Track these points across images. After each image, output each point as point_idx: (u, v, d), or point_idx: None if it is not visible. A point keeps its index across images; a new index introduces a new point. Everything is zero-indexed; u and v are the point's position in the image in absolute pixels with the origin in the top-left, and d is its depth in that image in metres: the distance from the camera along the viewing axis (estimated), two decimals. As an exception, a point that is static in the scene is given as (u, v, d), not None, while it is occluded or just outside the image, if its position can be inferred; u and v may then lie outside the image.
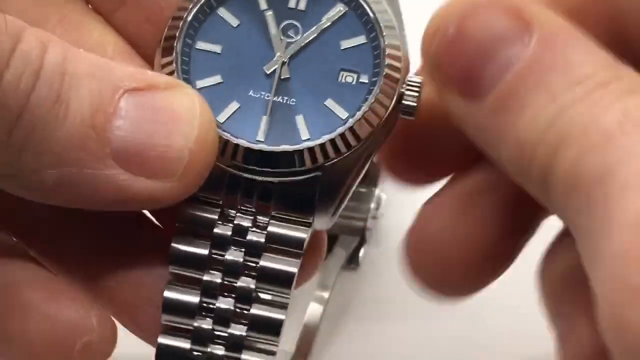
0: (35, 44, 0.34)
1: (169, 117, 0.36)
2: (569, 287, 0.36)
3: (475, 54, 0.36)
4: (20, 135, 0.34)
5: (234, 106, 0.39)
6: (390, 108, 0.38)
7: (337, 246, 0.57)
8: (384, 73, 0.38)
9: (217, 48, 0.39)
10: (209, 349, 0.37)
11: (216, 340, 0.37)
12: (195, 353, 0.37)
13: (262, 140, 0.38)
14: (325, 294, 0.54)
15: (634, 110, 0.33)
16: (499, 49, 0.36)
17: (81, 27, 0.40)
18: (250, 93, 0.39)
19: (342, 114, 0.38)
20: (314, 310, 0.54)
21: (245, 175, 0.37)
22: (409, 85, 0.38)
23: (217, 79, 0.39)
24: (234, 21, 0.40)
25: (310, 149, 0.37)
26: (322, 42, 0.39)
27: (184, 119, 0.36)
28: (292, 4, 0.40)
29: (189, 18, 0.39)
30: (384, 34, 0.39)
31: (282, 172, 0.37)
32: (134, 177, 0.36)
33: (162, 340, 0.37)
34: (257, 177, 0.37)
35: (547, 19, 0.36)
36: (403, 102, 0.38)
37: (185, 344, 0.37)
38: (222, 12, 0.40)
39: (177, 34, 0.39)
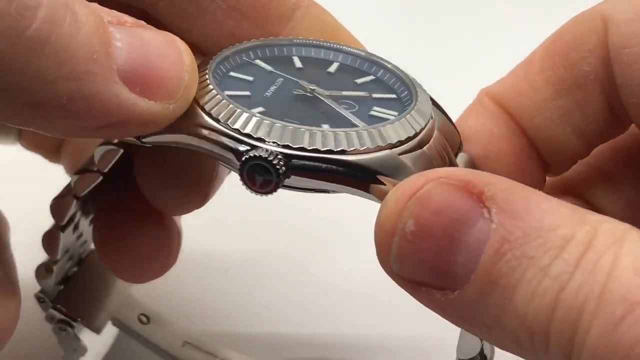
0: None
1: (157, 45, 0.38)
2: None
3: (442, 245, 0.34)
4: (43, 34, 0.34)
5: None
6: None
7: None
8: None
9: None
10: None
11: None
12: None
13: None
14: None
15: (638, 259, 0.32)
16: (463, 232, 0.34)
17: None
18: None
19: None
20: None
21: None
22: None
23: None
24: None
25: None
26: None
27: (172, 47, 0.38)
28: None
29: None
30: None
31: None
32: (139, 97, 0.36)
33: None
34: None
35: (494, 181, 0.35)
36: None
37: None
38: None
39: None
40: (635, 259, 0.32)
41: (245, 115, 0.37)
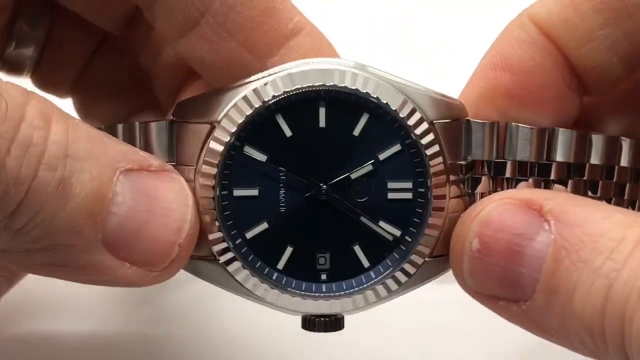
0: (38, 123, 0.33)
1: (163, 208, 0.37)
2: None
3: (506, 259, 0.37)
4: (20, 221, 0.33)
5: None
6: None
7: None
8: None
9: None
10: None
11: None
12: None
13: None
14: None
15: None
16: (525, 246, 0.37)
17: None
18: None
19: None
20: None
21: None
22: None
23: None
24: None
25: None
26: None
27: (178, 213, 0.37)
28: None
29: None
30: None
31: None
32: (119, 262, 0.36)
33: None
34: None
35: (552, 196, 0.38)
36: None
37: None
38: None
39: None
40: None
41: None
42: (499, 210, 0.38)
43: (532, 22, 0.43)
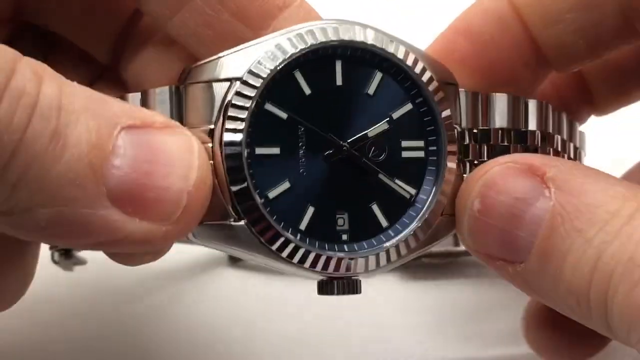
0: (30, 76, 0.33)
1: (167, 157, 0.35)
2: None
3: (505, 221, 0.38)
4: (15, 172, 0.33)
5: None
6: None
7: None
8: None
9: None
10: None
11: None
12: None
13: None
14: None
15: None
16: (525, 210, 0.37)
17: None
18: None
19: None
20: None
21: None
22: None
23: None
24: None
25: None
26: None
27: (183, 160, 0.36)
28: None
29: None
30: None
31: None
32: (129, 218, 0.35)
33: None
34: None
35: (557, 164, 0.38)
36: None
37: None
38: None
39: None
40: None
41: (316, 257, 0.39)
42: (502, 173, 0.38)
43: None
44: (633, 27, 0.42)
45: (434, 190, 0.40)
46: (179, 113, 0.39)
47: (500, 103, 0.43)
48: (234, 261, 0.61)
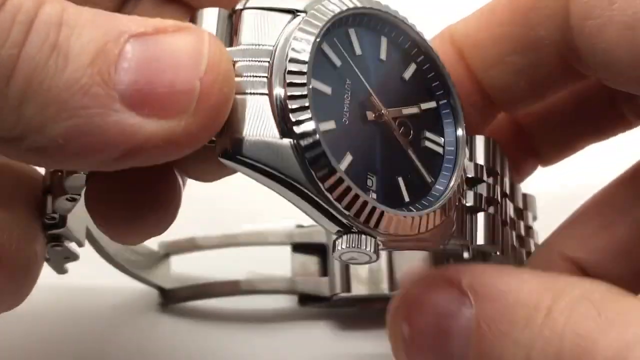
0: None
1: (176, 54, 0.34)
2: None
3: (436, 339, 0.38)
4: (18, 87, 0.33)
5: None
6: None
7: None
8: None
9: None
10: None
11: None
12: None
13: None
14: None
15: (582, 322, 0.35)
16: (450, 325, 0.38)
17: None
18: None
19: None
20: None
21: None
22: None
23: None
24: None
25: None
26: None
27: (192, 53, 0.35)
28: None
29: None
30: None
31: None
32: (145, 119, 0.34)
33: None
34: None
35: (469, 269, 0.39)
36: None
37: None
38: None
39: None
40: (578, 319, 0.36)
41: (350, 191, 0.38)
42: (421, 293, 0.39)
43: (450, 38, 0.45)
44: (572, 67, 0.43)
45: (451, 183, 0.41)
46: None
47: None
48: (166, 304, 0.59)
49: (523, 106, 0.46)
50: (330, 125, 0.39)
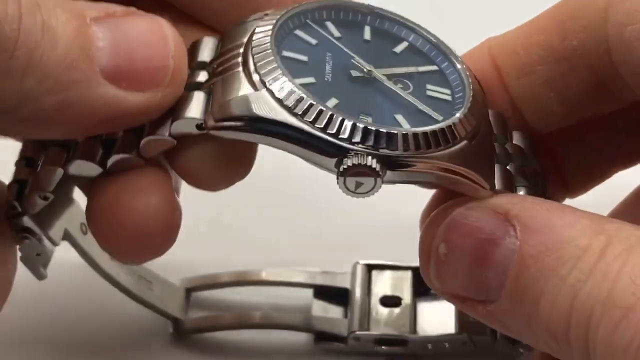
0: None
1: (142, 35, 0.39)
2: None
3: (472, 264, 0.37)
4: (22, 59, 0.36)
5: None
6: None
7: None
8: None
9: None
10: None
11: None
12: None
13: None
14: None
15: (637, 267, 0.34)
16: (492, 250, 0.37)
17: None
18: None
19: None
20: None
21: None
22: None
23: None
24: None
25: None
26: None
27: (157, 32, 0.39)
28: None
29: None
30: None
31: None
32: (125, 92, 0.38)
33: None
34: None
35: (518, 201, 0.38)
36: None
37: None
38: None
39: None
40: (635, 267, 0.34)
41: (336, 118, 0.37)
42: (465, 215, 0.38)
43: (488, 47, 0.45)
44: (604, 85, 0.42)
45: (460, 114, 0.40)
46: None
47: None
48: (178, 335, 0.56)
49: (552, 123, 0.45)
50: (308, 80, 0.39)
